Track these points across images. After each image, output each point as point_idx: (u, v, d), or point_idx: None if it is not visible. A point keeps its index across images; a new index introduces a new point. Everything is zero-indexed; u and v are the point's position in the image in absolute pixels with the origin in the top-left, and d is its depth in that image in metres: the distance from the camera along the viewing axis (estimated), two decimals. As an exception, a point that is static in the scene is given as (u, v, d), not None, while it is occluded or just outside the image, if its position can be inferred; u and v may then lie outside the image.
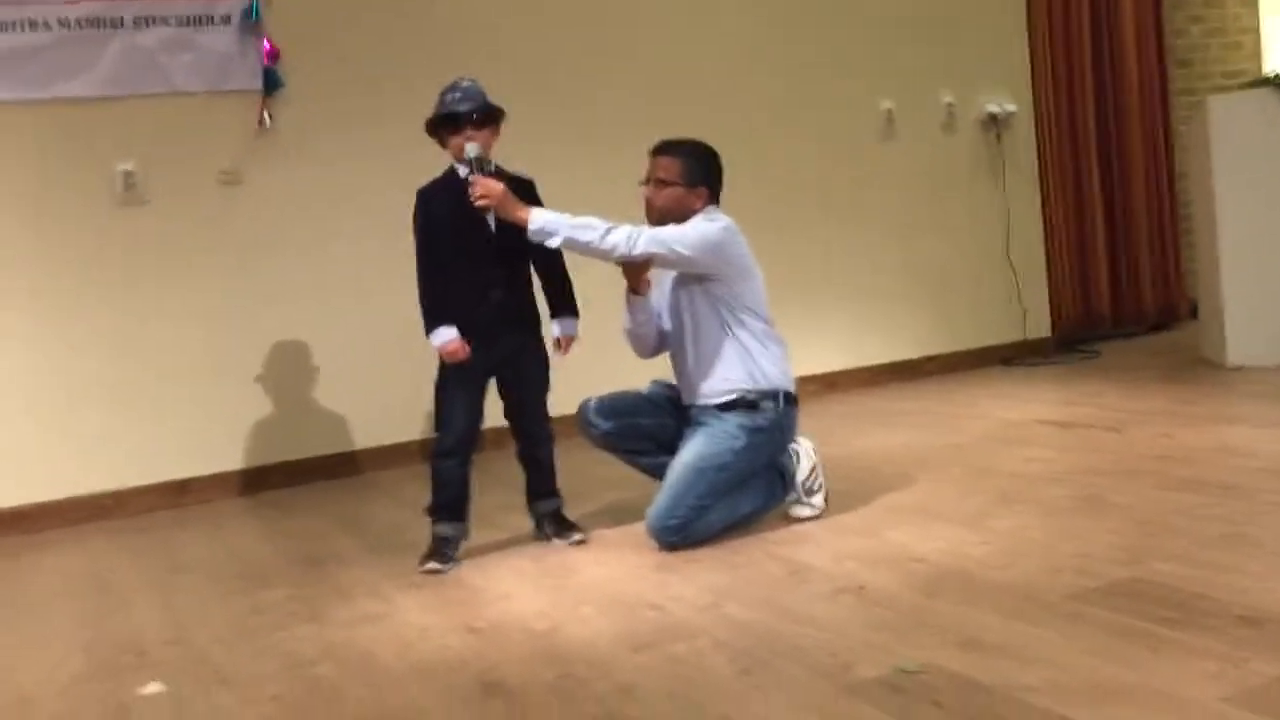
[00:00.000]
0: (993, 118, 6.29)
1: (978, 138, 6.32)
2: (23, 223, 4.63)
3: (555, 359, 3.56)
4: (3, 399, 4.59)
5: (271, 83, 4.93)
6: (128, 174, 4.75)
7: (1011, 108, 6.32)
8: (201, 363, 4.85)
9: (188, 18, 4.84)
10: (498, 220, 3.36)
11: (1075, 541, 3.02)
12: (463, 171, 3.38)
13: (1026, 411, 4.91)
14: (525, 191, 3.44)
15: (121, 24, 4.74)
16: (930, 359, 6.17)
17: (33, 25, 4.62)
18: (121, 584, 3.69)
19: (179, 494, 4.81)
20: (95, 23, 4.70)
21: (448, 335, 3.38)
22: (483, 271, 3.41)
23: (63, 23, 4.66)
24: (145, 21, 4.78)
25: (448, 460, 3.45)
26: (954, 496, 3.62)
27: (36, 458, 4.62)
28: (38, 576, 3.90)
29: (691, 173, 3.50)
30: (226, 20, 4.89)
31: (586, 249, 3.31)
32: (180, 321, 4.83)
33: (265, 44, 4.92)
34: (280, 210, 4.98)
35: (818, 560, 3.12)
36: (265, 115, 4.93)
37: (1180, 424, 4.31)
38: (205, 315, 4.87)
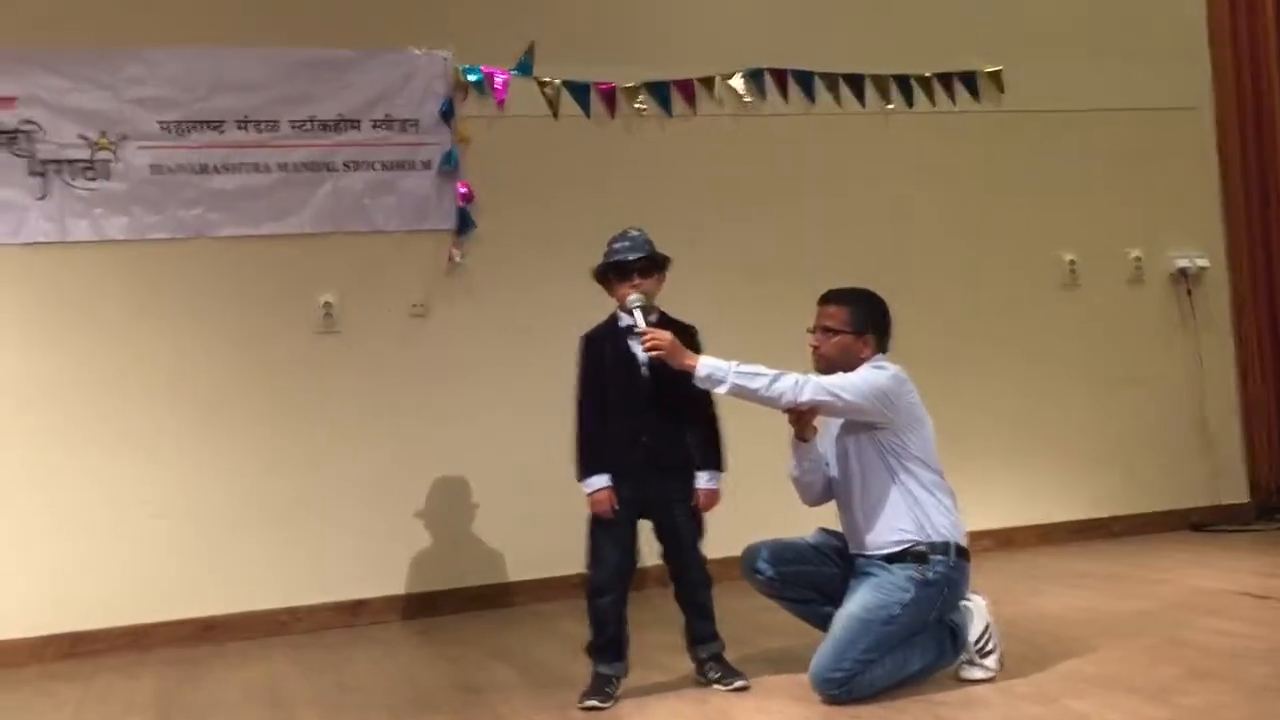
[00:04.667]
0: (1183, 272, 6.10)
1: (1167, 292, 6.12)
2: (229, 346, 4.96)
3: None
4: (200, 512, 4.86)
5: (464, 223, 5.21)
6: (327, 304, 5.06)
7: (1203, 262, 6.12)
8: (378, 486, 5.04)
9: (392, 163, 5.19)
10: (652, 367, 3.43)
11: (1275, 726, 2.80)
12: (624, 320, 3.47)
13: (1220, 580, 4.61)
14: (688, 338, 3.50)
15: (333, 168, 5.12)
16: (1113, 519, 5.89)
17: (256, 168, 5.03)
18: (293, 699, 3.80)
19: (353, 613, 4.95)
20: (311, 166, 5.09)
21: (598, 484, 3.45)
22: (635, 416, 3.47)
23: (282, 166, 5.06)
24: (354, 165, 5.14)
25: (603, 599, 3.47)
26: (1141, 667, 3.42)
27: (224, 571, 4.85)
28: (220, 686, 4.05)
29: (859, 321, 3.51)
30: (427, 165, 5.22)
31: (753, 396, 3.34)
32: (361, 445, 5.05)
33: (461, 187, 5.21)
34: (463, 344, 5.19)
35: (989, 726, 2.98)
36: (456, 253, 5.20)
37: (1394, 604, 3.98)
38: (385, 441, 5.07)
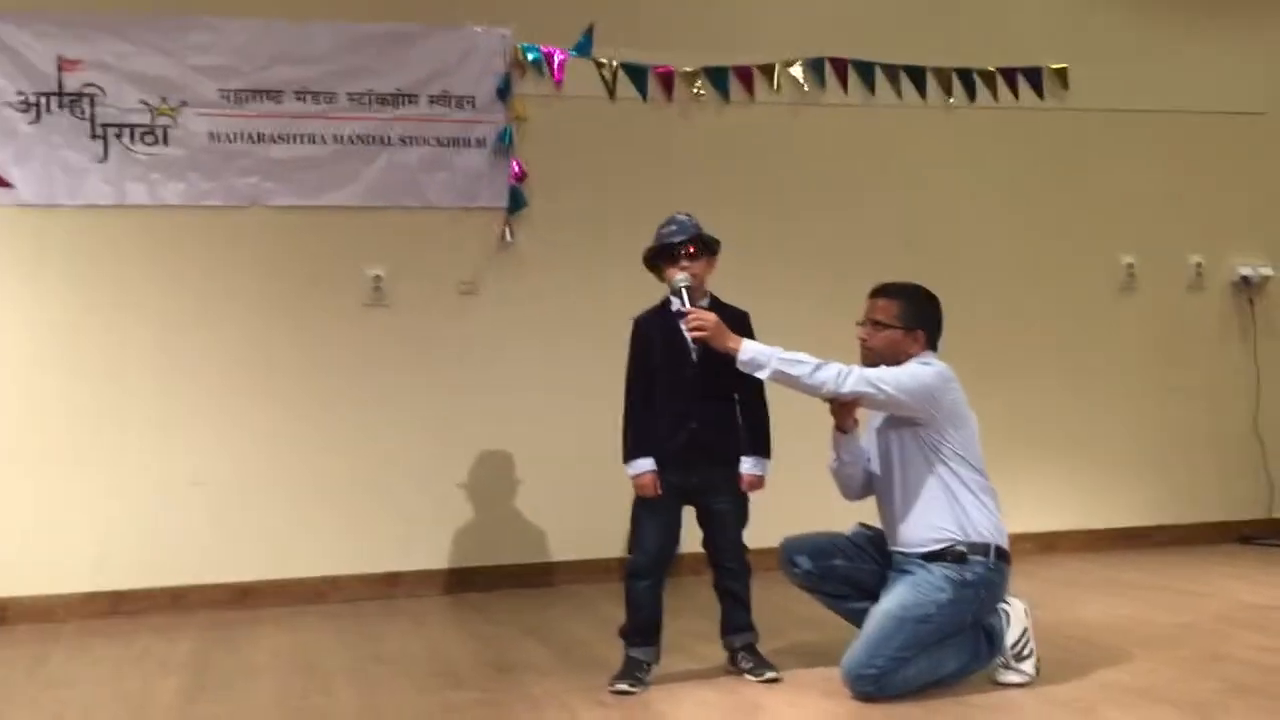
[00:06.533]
0: (1245, 280, 5.97)
1: (1228, 300, 6.00)
2: (278, 315, 5.00)
3: (756, 493, 3.53)
4: (241, 480, 4.91)
5: (516, 202, 5.21)
6: (377, 278, 5.08)
7: (1267, 271, 5.99)
8: (421, 461, 5.06)
9: (447, 139, 5.20)
10: (702, 353, 3.41)
11: (1318, 747, 2.73)
12: (674, 303, 3.45)
13: (1267, 595, 4.52)
14: (740, 324, 3.48)
15: (388, 142, 5.13)
16: (1161, 528, 5.80)
17: (311, 139, 5.06)
18: (326, 666, 3.83)
19: (389, 586, 4.99)
20: (365, 140, 5.11)
21: (643, 467, 3.44)
22: (683, 402, 3.46)
23: (337, 138, 5.08)
24: (409, 140, 5.16)
25: (640, 582, 3.47)
26: (1181, 680, 3.35)
27: (264, 538, 4.90)
28: (252, 651, 4.09)
29: (909, 316, 3.46)
30: (481, 143, 5.22)
31: (795, 383, 3.31)
32: (406, 419, 5.07)
33: (514, 165, 5.21)
34: (511, 323, 5.20)
35: (1022, 732, 2.94)
36: (507, 231, 5.20)
37: None
38: (429, 415, 5.09)
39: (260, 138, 5.01)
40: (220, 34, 4.98)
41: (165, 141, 4.92)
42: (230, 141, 4.98)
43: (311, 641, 4.22)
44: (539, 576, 5.13)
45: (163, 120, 4.92)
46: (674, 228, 3.51)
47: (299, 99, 5.05)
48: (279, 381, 4.99)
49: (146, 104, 4.91)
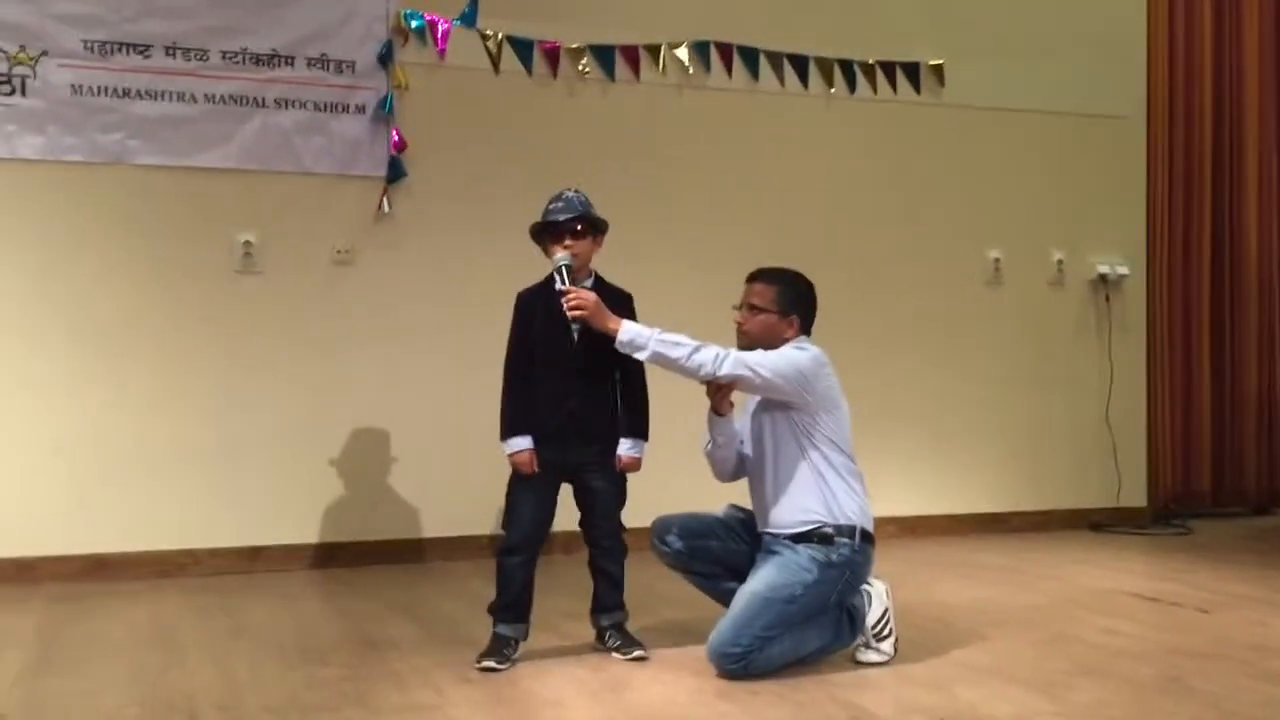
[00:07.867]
0: (1103, 278, 6.22)
1: (1086, 296, 6.24)
2: (146, 278, 4.82)
3: (633, 474, 3.54)
4: (101, 449, 4.73)
5: (395, 171, 5.11)
6: (247, 244, 4.94)
7: (1123, 270, 6.25)
8: (290, 433, 4.95)
9: (325, 104, 5.07)
10: (583, 332, 3.40)
11: (1154, 724, 2.87)
12: (558, 282, 3.43)
13: (1112, 581, 4.74)
14: (622, 305, 3.47)
15: (263, 103, 4.98)
16: (1017, 514, 6.02)
17: (180, 97, 4.87)
18: (184, 641, 3.72)
19: (252, 559, 4.87)
20: (239, 100, 4.95)
21: (520, 445, 3.42)
22: (562, 381, 3.44)
23: (209, 97, 4.91)
24: (285, 103, 5.01)
25: (513, 558, 3.45)
26: (1030, 660, 3.49)
27: (122, 509, 4.73)
28: (107, 625, 3.95)
29: (785, 301, 3.51)
30: (361, 109, 5.10)
31: (673, 365, 3.33)
32: (276, 391, 4.95)
33: (394, 134, 5.11)
34: (387, 294, 5.11)
35: (881, 709, 3.02)
36: (385, 201, 5.10)
37: (1276, 613, 4.12)
38: (301, 387, 4.98)
39: (126, 93, 4.81)
40: (84, -19, 4.76)
41: (23, 92, 4.68)
42: (94, 95, 4.77)
43: (169, 615, 4.09)
44: (410, 552, 5.07)
45: (20, 70, 4.68)
46: (560, 204, 3.48)
47: (169, 54, 4.86)
48: (143, 346, 4.81)
49: (4, 52, 4.66)
